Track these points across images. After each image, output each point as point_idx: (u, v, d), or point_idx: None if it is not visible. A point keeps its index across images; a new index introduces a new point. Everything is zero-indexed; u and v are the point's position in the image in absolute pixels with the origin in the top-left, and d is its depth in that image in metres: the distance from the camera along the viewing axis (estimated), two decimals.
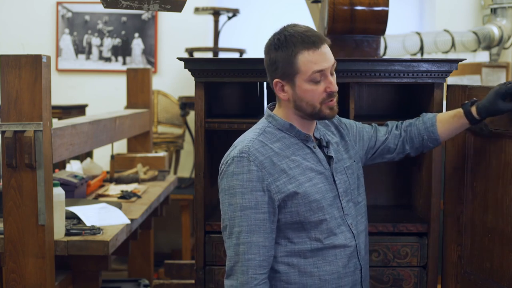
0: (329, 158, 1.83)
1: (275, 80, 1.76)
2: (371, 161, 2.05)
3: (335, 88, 1.76)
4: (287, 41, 1.72)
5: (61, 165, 3.91)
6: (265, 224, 1.72)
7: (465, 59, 2.30)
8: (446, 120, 2.03)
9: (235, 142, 1.81)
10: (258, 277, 1.71)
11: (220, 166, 1.79)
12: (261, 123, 1.84)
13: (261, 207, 1.71)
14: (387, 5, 2.40)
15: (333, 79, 1.76)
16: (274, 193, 1.73)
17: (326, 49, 1.74)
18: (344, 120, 2.00)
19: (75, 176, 3.19)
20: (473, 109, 1.96)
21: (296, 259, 1.77)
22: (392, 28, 3.58)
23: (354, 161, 1.92)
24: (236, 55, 5.03)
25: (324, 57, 1.73)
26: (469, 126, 2.00)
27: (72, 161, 3.82)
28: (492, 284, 2.06)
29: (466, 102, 2.01)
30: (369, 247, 2.25)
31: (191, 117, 5.13)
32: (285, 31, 1.75)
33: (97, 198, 3.24)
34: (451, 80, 4.91)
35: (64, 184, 2.91)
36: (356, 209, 1.87)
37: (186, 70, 2.26)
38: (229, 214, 1.73)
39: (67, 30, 5.47)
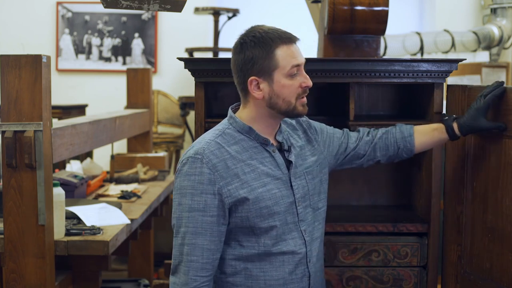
0: (289, 163, 1.81)
1: (251, 78, 1.75)
2: (340, 167, 2.04)
3: (310, 83, 1.77)
4: (263, 37, 1.73)
5: (61, 165, 3.91)
6: (212, 227, 1.71)
7: (465, 59, 2.30)
8: (425, 133, 2.03)
9: (194, 142, 1.80)
10: (198, 279, 1.70)
11: (178, 164, 1.79)
12: (222, 124, 1.82)
13: (210, 210, 1.70)
14: (387, 5, 2.40)
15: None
16: (225, 197, 1.71)
17: (298, 46, 1.77)
18: (314, 124, 1.98)
19: (75, 176, 3.19)
20: (455, 125, 1.98)
21: (244, 262, 1.76)
22: (392, 28, 3.58)
23: (318, 166, 1.89)
24: None
25: (299, 53, 1.76)
26: (447, 141, 2.02)
27: (72, 161, 3.82)
28: (492, 284, 2.06)
29: (447, 117, 2.02)
30: (370, 247, 2.25)
31: (191, 117, 5.13)
32: (257, 29, 1.76)
33: (97, 198, 3.24)
34: (451, 80, 4.91)
35: (64, 184, 2.91)
36: (314, 215, 1.84)
37: (186, 70, 2.26)
38: (177, 213, 1.73)
39: (67, 30, 5.47)
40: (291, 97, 1.75)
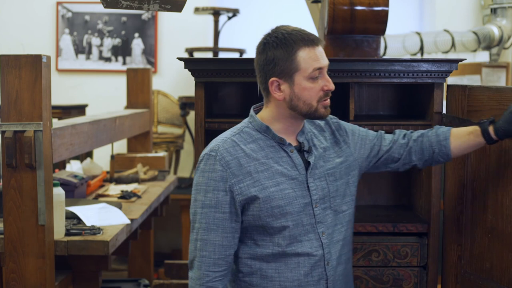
0: (308, 164, 1.79)
1: (272, 79, 1.74)
2: (374, 169, 1.99)
3: (332, 86, 1.76)
4: (286, 39, 1.72)
5: (61, 165, 3.91)
6: (225, 223, 1.74)
7: (465, 59, 2.30)
8: (461, 136, 1.95)
9: (212, 140, 1.82)
10: (211, 274, 1.73)
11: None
12: (242, 122, 1.84)
13: (221, 207, 1.73)
14: (387, 5, 2.40)
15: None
16: (236, 195, 1.73)
17: (321, 49, 1.76)
18: (345, 125, 1.95)
19: (75, 176, 3.19)
20: (491, 129, 1.89)
21: (259, 262, 1.77)
22: (392, 28, 3.58)
23: (344, 168, 1.86)
24: (236, 55, 5.03)
25: (322, 56, 1.75)
26: (483, 145, 1.93)
27: (72, 161, 3.82)
28: (492, 284, 2.05)
29: (484, 120, 1.93)
30: (370, 247, 2.25)
31: (191, 117, 5.13)
32: (281, 30, 1.74)
33: (97, 198, 3.24)
34: (451, 80, 4.91)
35: (64, 184, 2.91)
36: (336, 217, 1.81)
37: (186, 70, 2.26)
38: (193, 209, 1.77)
39: (67, 30, 5.47)
40: (312, 99, 1.74)
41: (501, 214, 2.01)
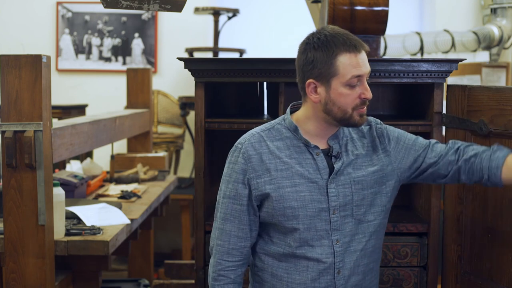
0: (333, 169, 1.75)
1: (309, 80, 1.71)
2: (420, 181, 1.89)
3: (370, 95, 1.72)
4: (328, 41, 1.68)
5: (61, 165, 3.91)
6: (242, 215, 1.77)
7: (465, 59, 2.30)
8: None
9: (246, 133, 1.85)
10: (223, 263, 1.78)
11: None
12: (277, 119, 1.85)
13: (240, 199, 1.77)
14: (387, 5, 2.40)
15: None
16: (253, 189, 1.76)
17: (365, 55, 1.71)
18: (391, 132, 1.86)
19: (75, 176, 3.19)
20: None
21: (271, 259, 1.79)
22: (392, 28, 3.58)
23: (377, 177, 1.78)
24: (236, 55, 5.03)
25: (363, 63, 1.70)
26: None
27: (72, 161, 3.82)
28: (492, 284, 2.05)
29: None
30: None
31: (191, 117, 5.13)
32: (325, 31, 1.71)
33: (97, 198, 3.23)
34: (451, 80, 4.91)
35: (64, 184, 2.91)
36: (358, 227, 1.75)
37: (186, 70, 2.26)
38: (218, 198, 1.83)
39: (67, 30, 5.47)
40: (348, 106, 1.71)
41: (500, 214, 2.01)
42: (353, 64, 1.68)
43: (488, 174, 1.80)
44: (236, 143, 1.81)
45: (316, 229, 1.73)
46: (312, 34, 1.73)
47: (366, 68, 1.71)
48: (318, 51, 1.69)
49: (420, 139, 1.88)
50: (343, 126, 1.78)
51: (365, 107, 1.73)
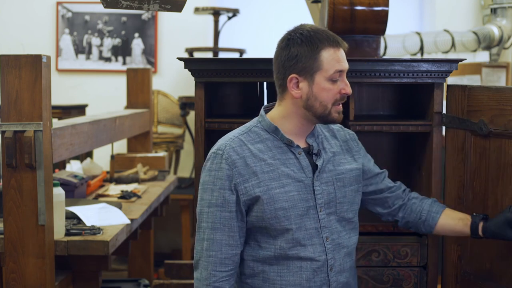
0: (316, 167, 1.77)
1: (292, 75, 1.72)
2: (363, 202, 1.96)
3: (350, 90, 1.75)
4: (311, 37, 1.70)
5: (61, 165, 3.91)
6: (231, 222, 1.72)
7: (465, 59, 2.30)
8: (451, 218, 1.95)
9: (220, 138, 1.80)
10: (217, 274, 1.71)
11: None
12: (251, 121, 1.82)
13: (228, 206, 1.72)
14: (387, 5, 2.40)
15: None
16: (241, 194, 1.71)
17: (343, 52, 1.75)
18: (361, 146, 1.94)
19: (75, 176, 3.19)
20: (481, 225, 1.89)
21: (261, 265, 1.75)
22: (392, 28, 3.58)
23: (355, 176, 1.85)
24: (236, 55, 5.03)
25: (344, 59, 1.74)
26: (468, 235, 1.93)
27: (72, 161, 3.82)
28: (492, 285, 2.05)
29: (477, 214, 1.92)
30: (370, 247, 2.25)
31: (191, 117, 5.13)
32: (306, 27, 1.73)
33: (97, 198, 3.24)
34: (451, 80, 4.91)
35: (64, 184, 2.91)
36: (341, 224, 1.79)
37: (186, 70, 2.26)
38: (199, 208, 1.76)
39: (67, 30, 5.47)
40: (328, 101, 1.73)
41: None
42: (336, 59, 1.71)
43: (426, 216, 1.94)
44: (214, 150, 1.75)
45: (306, 228, 1.74)
46: (293, 31, 1.74)
47: (346, 64, 1.75)
48: (302, 46, 1.70)
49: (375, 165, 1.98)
50: (321, 123, 1.81)
51: (341, 105, 1.77)
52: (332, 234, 1.77)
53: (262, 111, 1.82)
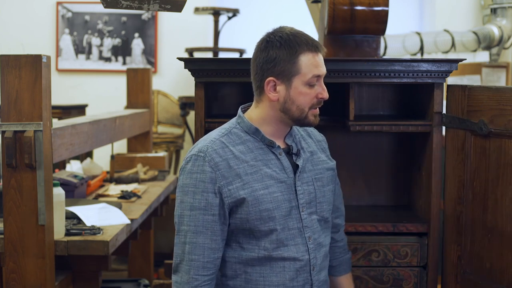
0: (296, 167, 1.77)
1: (269, 78, 1.71)
2: None
3: (327, 95, 1.75)
4: (290, 40, 1.69)
5: (61, 165, 3.91)
6: (214, 226, 1.70)
7: (465, 59, 2.30)
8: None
9: (199, 140, 1.79)
10: (200, 278, 1.69)
11: (183, 161, 1.78)
12: (230, 123, 1.81)
13: (211, 209, 1.69)
14: (387, 5, 2.40)
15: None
16: (225, 197, 1.69)
17: (322, 57, 1.75)
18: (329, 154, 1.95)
19: (75, 176, 3.19)
20: None
21: (244, 266, 1.74)
22: (392, 28, 3.59)
23: (331, 175, 1.86)
24: (236, 55, 5.03)
25: (322, 64, 1.74)
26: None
27: (72, 161, 3.82)
28: (491, 284, 2.05)
29: None
30: (370, 247, 2.26)
31: (191, 117, 5.13)
32: (286, 30, 1.72)
33: (97, 198, 3.23)
34: (451, 80, 4.91)
35: (64, 184, 2.91)
36: (320, 223, 1.80)
37: (186, 70, 2.26)
38: (179, 211, 1.72)
39: (67, 30, 5.47)
40: (305, 105, 1.73)
41: (500, 214, 2.01)
42: (314, 63, 1.71)
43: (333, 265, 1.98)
44: (194, 152, 1.72)
45: (289, 228, 1.73)
46: (272, 33, 1.73)
47: (324, 69, 1.74)
48: (281, 49, 1.70)
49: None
50: (297, 126, 1.81)
51: (318, 109, 1.76)
52: (314, 233, 1.78)
53: (240, 112, 1.81)
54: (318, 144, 1.90)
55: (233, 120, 1.81)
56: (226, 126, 1.80)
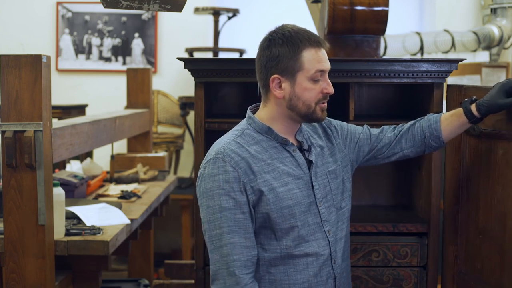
0: (310, 163, 1.79)
1: (274, 76, 1.73)
2: (365, 163, 2.00)
3: (332, 90, 1.76)
4: (292, 37, 1.71)
5: (61, 165, 3.91)
6: (246, 224, 1.70)
7: (465, 59, 2.30)
8: (447, 118, 1.96)
9: (213, 145, 1.78)
10: (245, 276, 1.68)
11: (199, 170, 1.77)
12: (241, 125, 1.82)
13: (240, 207, 1.69)
14: (387, 5, 2.40)
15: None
16: (249, 194, 1.70)
17: (325, 52, 1.76)
18: (334, 122, 1.96)
19: (75, 176, 3.19)
20: (473, 107, 1.90)
21: (267, 267, 1.74)
22: (392, 28, 3.58)
23: (340, 165, 1.88)
24: (236, 55, 5.03)
25: (325, 59, 1.75)
26: (469, 125, 1.94)
27: (72, 161, 3.82)
28: (482, 285, 2.05)
29: (465, 99, 1.95)
30: (370, 247, 2.25)
31: (191, 117, 5.13)
32: (288, 28, 1.74)
33: (97, 198, 3.23)
34: (451, 80, 4.91)
35: (64, 184, 2.91)
36: (338, 214, 1.82)
37: (186, 70, 2.26)
38: (207, 217, 1.70)
39: (67, 30, 5.47)
40: (311, 101, 1.74)
41: (490, 214, 2.01)
42: (317, 59, 1.72)
43: (429, 131, 1.95)
44: (212, 155, 1.71)
45: (309, 223, 1.75)
46: (274, 31, 1.75)
47: (328, 64, 1.76)
48: (284, 46, 1.71)
49: (357, 126, 2.00)
50: (306, 122, 1.83)
51: (326, 103, 1.78)
52: (333, 226, 1.80)
53: (249, 113, 1.82)
54: (324, 135, 1.90)
55: (243, 121, 1.82)
56: (237, 128, 1.81)
